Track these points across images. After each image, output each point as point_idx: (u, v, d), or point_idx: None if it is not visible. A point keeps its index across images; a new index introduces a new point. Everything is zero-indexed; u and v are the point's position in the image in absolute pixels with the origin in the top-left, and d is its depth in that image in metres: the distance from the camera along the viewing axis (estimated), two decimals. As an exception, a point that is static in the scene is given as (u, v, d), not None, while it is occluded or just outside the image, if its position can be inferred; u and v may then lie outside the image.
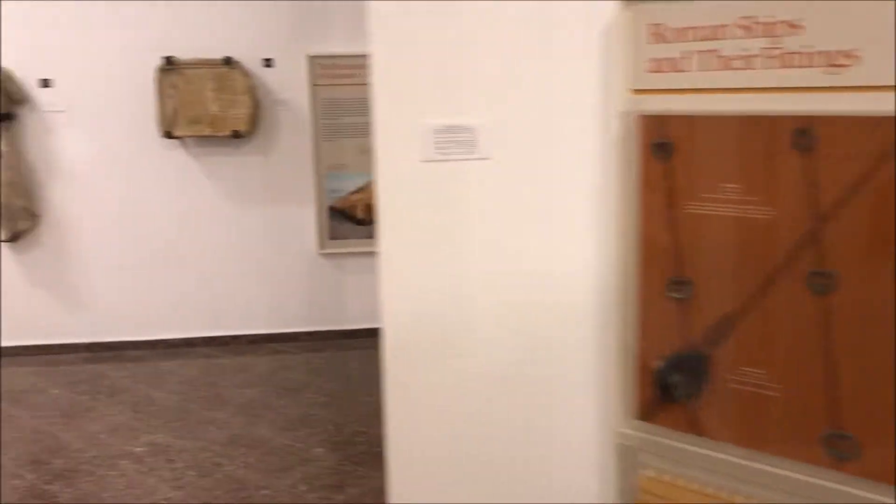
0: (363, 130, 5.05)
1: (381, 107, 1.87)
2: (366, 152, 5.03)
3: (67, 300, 5.08)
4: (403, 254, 1.95)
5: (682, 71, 1.63)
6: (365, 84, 4.94)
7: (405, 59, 1.86)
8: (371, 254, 5.15)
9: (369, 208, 5.13)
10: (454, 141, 1.83)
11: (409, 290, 1.98)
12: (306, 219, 5.12)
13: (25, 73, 4.80)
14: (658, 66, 1.65)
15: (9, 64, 4.73)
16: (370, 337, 5.28)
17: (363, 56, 4.89)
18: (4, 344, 5.06)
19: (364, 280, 5.25)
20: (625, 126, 1.71)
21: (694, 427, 1.74)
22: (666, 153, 1.67)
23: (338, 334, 5.29)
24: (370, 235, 5.14)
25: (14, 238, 4.90)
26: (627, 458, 1.83)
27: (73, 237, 5.01)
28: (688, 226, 1.66)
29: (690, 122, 1.64)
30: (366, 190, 5.13)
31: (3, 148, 4.70)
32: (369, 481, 3.47)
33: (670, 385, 1.74)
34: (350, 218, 5.16)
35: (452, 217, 1.92)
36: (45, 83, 4.84)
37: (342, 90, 5.01)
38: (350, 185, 5.13)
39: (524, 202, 1.88)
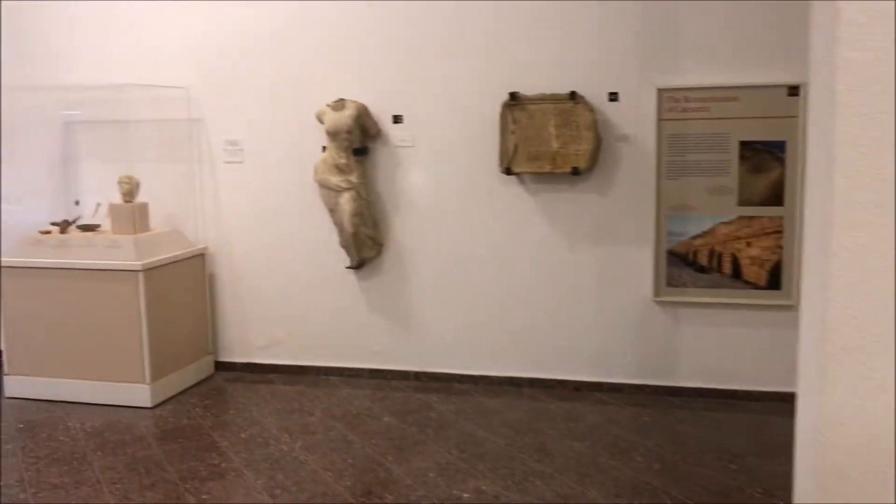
0: (712, 169, 4.59)
1: (850, 148, 1.43)
2: (714, 193, 4.57)
3: (401, 328, 5.22)
4: (873, 343, 1.47)
5: None
6: (719, 119, 4.54)
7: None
8: (712, 305, 4.66)
9: (714, 255, 4.63)
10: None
11: (866, 397, 1.51)
12: (642, 262, 4.76)
13: (380, 109, 5.02)
14: None
15: (367, 100, 4.98)
16: (703, 398, 4.79)
17: (719, 88, 4.48)
18: (342, 364, 5.33)
19: (701, 334, 4.76)
20: None
21: None
22: None
23: (667, 391, 4.84)
24: (713, 285, 4.65)
25: (360, 265, 5.14)
26: None
27: (411, 267, 5.14)
28: None
29: None
30: (711, 234, 4.63)
31: (356, 180, 4.95)
32: (719, 578, 2.99)
33: None
34: (691, 264, 4.70)
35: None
36: (397, 119, 5.02)
37: (691, 125, 4.59)
38: (693, 227, 4.67)
39: None
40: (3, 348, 5.05)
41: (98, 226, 5.18)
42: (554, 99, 4.65)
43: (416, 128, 5.00)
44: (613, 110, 4.68)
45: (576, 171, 4.64)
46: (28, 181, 5.53)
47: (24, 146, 5.49)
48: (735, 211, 4.60)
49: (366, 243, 5.08)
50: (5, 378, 5.07)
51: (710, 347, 4.75)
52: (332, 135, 4.92)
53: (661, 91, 4.59)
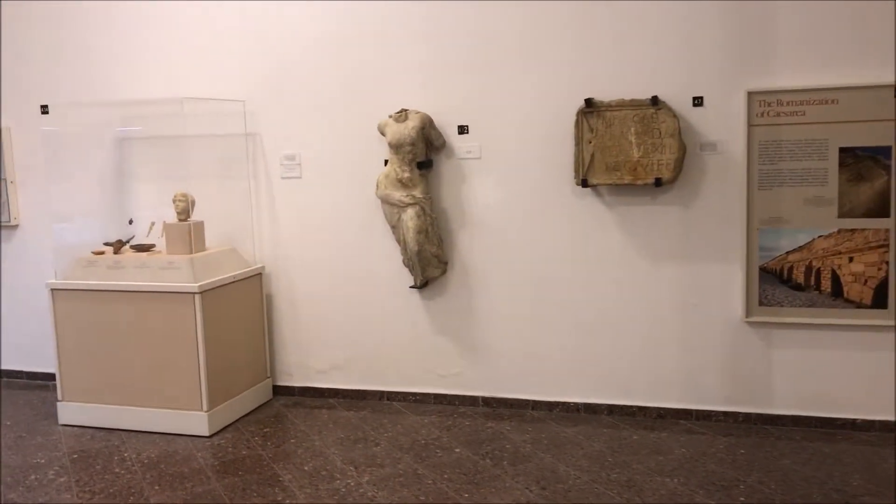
0: (809, 178, 4.22)
1: None
2: (811, 204, 4.21)
3: (468, 350, 4.92)
4: None
5: None
6: (817, 123, 4.15)
7: None
8: (810, 326, 4.26)
9: (812, 271, 4.25)
10: None
11: None
12: (731, 280, 4.40)
13: (444, 120, 4.75)
14: None
15: (430, 111, 4.71)
16: (800, 427, 4.40)
17: (816, 90, 4.09)
18: (406, 389, 5.05)
19: (798, 357, 4.38)
20: None
21: None
22: None
23: (760, 419, 4.46)
24: (810, 304, 4.27)
25: (424, 285, 4.86)
26: None
27: (478, 287, 4.84)
28: None
29: None
30: (808, 249, 4.26)
31: (420, 195, 4.68)
32: None
33: None
34: (786, 282, 4.32)
35: None
36: (462, 129, 4.74)
37: (785, 130, 4.23)
38: (788, 242, 4.30)
39: None
40: (56, 374, 4.85)
41: (152, 245, 4.99)
42: (634, 105, 4.32)
43: (483, 138, 4.71)
44: (698, 116, 4.34)
45: (658, 182, 4.30)
46: (81, 199, 5.36)
47: (77, 163, 5.33)
48: (835, 223, 4.22)
49: (430, 262, 4.80)
50: (59, 405, 4.88)
51: (808, 372, 4.36)
52: (395, 148, 4.66)
53: (751, 94, 4.23)
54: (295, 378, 5.26)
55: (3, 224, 5.69)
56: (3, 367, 5.88)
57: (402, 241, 4.77)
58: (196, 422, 4.57)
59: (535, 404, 4.80)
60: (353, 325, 5.10)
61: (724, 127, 4.31)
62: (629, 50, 4.39)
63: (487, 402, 4.90)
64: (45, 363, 5.47)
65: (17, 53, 5.50)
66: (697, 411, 4.54)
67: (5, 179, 5.65)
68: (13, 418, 5.04)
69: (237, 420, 4.82)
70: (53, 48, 5.41)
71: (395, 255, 4.89)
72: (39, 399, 5.39)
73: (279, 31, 4.97)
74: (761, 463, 3.98)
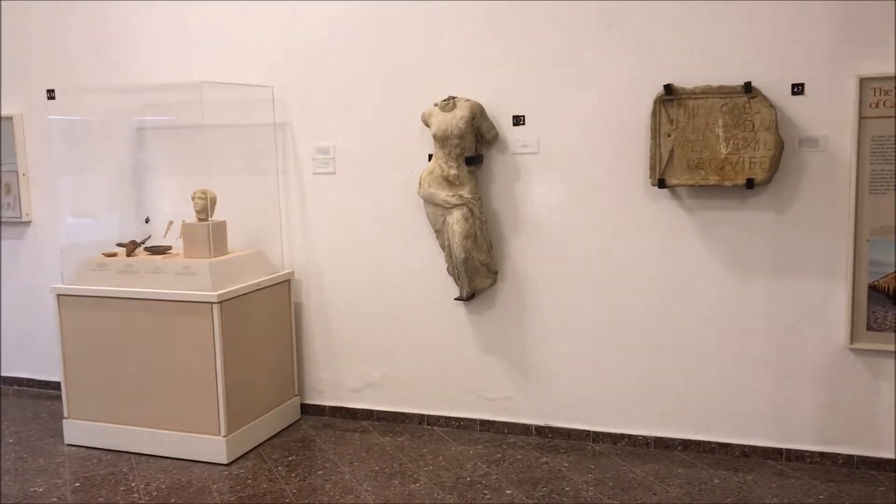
0: (933, 180, 3.54)
1: None
2: (934, 211, 3.51)
3: (520, 372, 4.34)
4: None
5: None
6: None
7: None
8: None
9: (933, 291, 3.58)
10: None
11: None
12: (833, 300, 3.75)
13: (497, 109, 4.17)
14: None
15: (481, 98, 4.13)
16: (914, 472, 3.74)
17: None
18: (448, 413, 4.49)
19: (912, 391, 3.71)
20: None
21: None
22: None
23: (865, 462, 3.81)
24: (930, 330, 3.59)
25: (470, 296, 4.29)
26: None
27: (532, 300, 4.25)
28: None
29: None
30: (929, 265, 3.59)
31: (469, 195, 4.11)
32: None
33: None
34: (900, 303, 3.66)
35: None
36: (518, 120, 4.16)
37: (905, 124, 3.56)
38: (904, 256, 3.64)
39: None
40: (62, 388, 4.39)
41: (169, 248, 4.49)
42: (722, 92, 3.69)
43: (542, 130, 4.12)
44: (798, 106, 3.69)
45: (750, 184, 3.67)
46: (94, 194, 4.89)
47: (90, 154, 4.87)
48: (963, 235, 3.55)
49: (479, 271, 4.23)
50: (65, 423, 4.41)
51: (925, 409, 3.70)
52: (441, 141, 4.09)
53: (863, 80, 3.57)
54: (326, 396, 4.74)
55: (14, 220, 5.25)
56: (13, 375, 5.46)
57: (446, 247, 4.20)
58: (213, 448, 4.06)
59: (597, 436, 4.21)
60: (390, 339, 4.55)
61: (829, 119, 3.66)
62: (717, 28, 3.76)
63: (541, 431, 4.31)
64: (56, 371, 5.01)
65: (29, 35, 5.05)
66: (789, 451, 3.90)
67: (17, 171, 5.21)
68: (17, 435, 4.59)
69: (260, 444, 4.31)
70: (68, 29, 4.95)
71: (438, 262, 4.33)
72: (48, 412, 4.94)
73: (312, 8, 4.43)
74: (873, 520, 3.33)
